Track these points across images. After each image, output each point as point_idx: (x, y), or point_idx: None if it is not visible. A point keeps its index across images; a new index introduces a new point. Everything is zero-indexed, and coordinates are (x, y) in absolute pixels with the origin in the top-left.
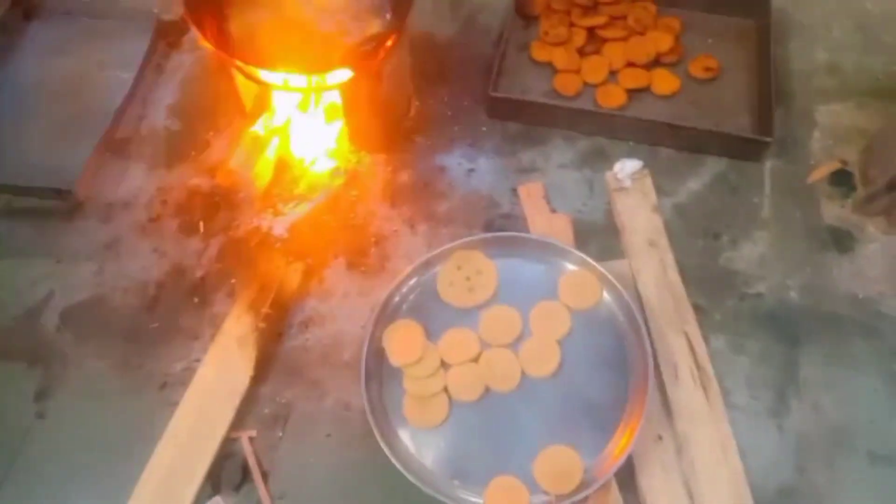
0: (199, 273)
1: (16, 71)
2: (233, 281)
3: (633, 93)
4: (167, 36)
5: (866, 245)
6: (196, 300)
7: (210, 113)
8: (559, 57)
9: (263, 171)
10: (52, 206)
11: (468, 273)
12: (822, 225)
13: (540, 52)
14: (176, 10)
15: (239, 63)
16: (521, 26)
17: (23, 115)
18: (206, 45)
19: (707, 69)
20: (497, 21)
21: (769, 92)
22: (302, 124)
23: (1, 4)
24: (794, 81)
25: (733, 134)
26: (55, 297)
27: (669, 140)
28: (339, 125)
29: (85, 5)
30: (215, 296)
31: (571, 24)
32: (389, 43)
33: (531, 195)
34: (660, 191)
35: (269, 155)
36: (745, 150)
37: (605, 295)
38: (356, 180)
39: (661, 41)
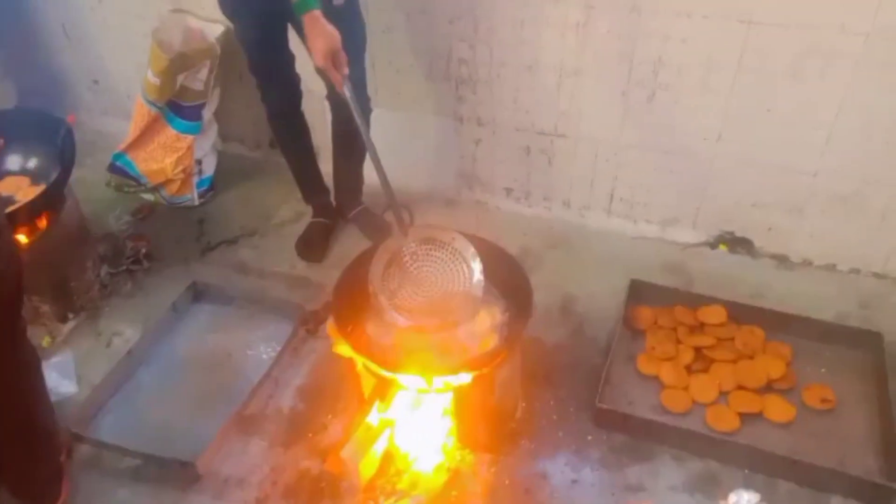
0: None
1: (176, 344)
2: None
3: (745, 417)
4: (307, 323)
5: None
6: None
7: (332, 396)
8: (666, 372)
9: (370, 462)
10: (174, 474)
11: None
12: None
13: (647, 366)
14: (318, 301)
15: (368, 362)
16: (628, 337)
17: (171, 386)
18: (343, 351)
19: (824, 400)
20: (604, 331)
21: (893, 431)
22: (413, 420)
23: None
24: None
25: (862, 478)
26: None
27: (789, 474)
28: (448, 424)
29: (243, 292)
30: None
31: (678, 342)
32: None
33: None
34: None
35: (378, 448)
36: (874, 494)
37: None
38: (458, 479)
39: (772, 367)
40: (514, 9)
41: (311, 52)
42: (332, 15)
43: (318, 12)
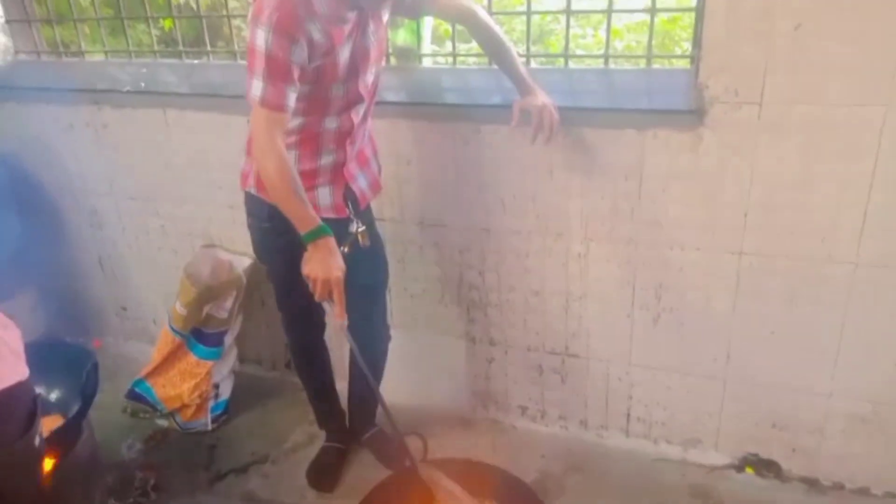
0: None
1: None
2: None
3: None
4: None
5: None
6: None
7: None
8: None
9: None
10: None
11: None
12: None
13: None
14: None
15: None
16: None
17: None
18: None
19: None
20: None
21: None
22: None
23: None
24: None
25: None
26: None
27: None
28: None
29: None
30: None
31: None
32: None
33: None
34: None
35: None
36: None
37: None
38: None
39: None
40: (518, 242)
41: (314, 280)
42: (358, 256)
43: (329, 239)
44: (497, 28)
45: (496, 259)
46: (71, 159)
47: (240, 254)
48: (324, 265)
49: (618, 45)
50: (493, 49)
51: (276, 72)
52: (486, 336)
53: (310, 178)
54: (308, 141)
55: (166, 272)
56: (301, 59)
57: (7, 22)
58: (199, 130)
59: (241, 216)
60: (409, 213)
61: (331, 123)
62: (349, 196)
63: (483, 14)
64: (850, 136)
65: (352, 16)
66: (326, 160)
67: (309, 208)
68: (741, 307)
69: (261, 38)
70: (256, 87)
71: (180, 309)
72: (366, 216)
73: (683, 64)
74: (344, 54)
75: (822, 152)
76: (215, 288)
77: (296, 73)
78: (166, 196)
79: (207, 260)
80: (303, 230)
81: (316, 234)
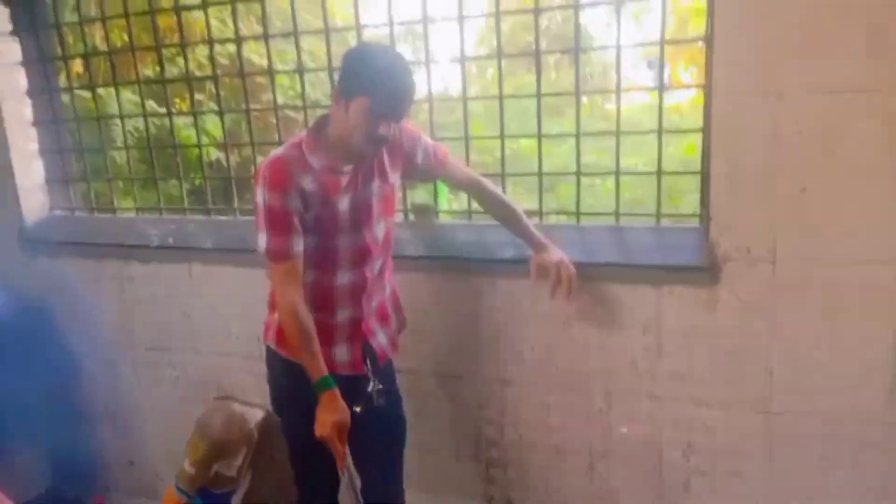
0: None
1: None
2: None
3: None
4: None
5: None
6: None
7: None
8: None
9: None
10: None
11: None
12: None
13: None
14: None
15: None
16: None
17: None
18: None
19: None
20: None
21: None
22: None
23: None
24: None
25: None
26: None
27: None
28: None
29: None
30: None
31: None
32: None
33: None
34: None
35: None
36: None
37: None
38: None
39: None
40: (538, 396)
41: (318, 424)
42: (373, 415)
43: (335, 391)
44: (504, 196)
45: (515, 413)
46: (93, 311)
47: (253, 406)
48: (337, 409)
49: (625, 194)
50: (504, 216)
51: (277, 222)
52: (504, 497)
53: (327, 334)
54: (322, 296)
55: (177, 424)
56: (297, 207)
57: (47, 181)
58: (220, 282)
59: (256, 367)
60: (425, 364)
61: (343, 278)
62: (368, 352)
63: (490, 185)
64: (866, 295)
65: (347, 169)
66: (342, 316)
67: (318, 360)
68: (776, 470)
69: (260, 196)
70: (262, 240)
71: (188, 468)
72: (385, 372)
73: (693, 221)
74: (343, 205)
75: (841, 310)
76: (226, 445)
77: (295, 221)
78: (183, 346)
79: (220, 413)
80: (312, 380)
81: (320, 387)
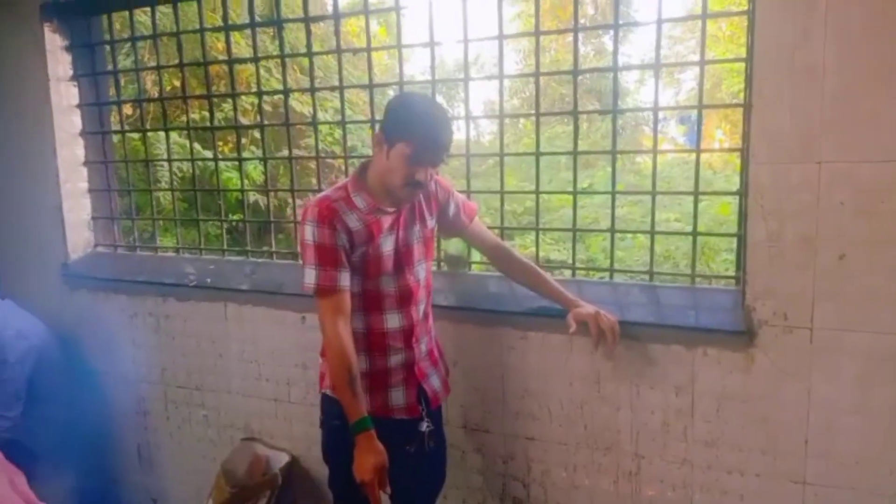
0: None
1: None
2: None
3: None
4: None
5: None
6: None
7: None
8: None
9: None
10: None
11: None
12: None
13: None
14: None
15: None
16: None
17: None
18: None
19: None
20: None
21: None
22: None
23: None
24: None
25: None
26: None
27: None
28: None
29: None
30: None
31: None
32: None
33: None
34: None
35: None
36: None
37: None
38: None
39: None
40: (565, 454)
41: (357, 467)
42: (423, 457)
43: (372, 432)
44: (529, 261)
45: (541, 470)
46: (128, 346)
47: (279, 449)
48: (375, 450)
49: (657, 248)
50: (532, 281)
51: (325, 257)
52: None
53: (382, 379)
54: (374, 340)
55: (203, 464)
56: (343, 243)
57: (93, 219)
58: (253, 324)
59: (284, 410)
60: (452, 415)
61: (392, 321)
62: (422, 395)
63: (516, 252)
64: None
65: (391, 210)
66: (395, 359)
67: (359, 400)
68: None
69: (308, 233)
70: (309, 276)
71: None
72: (436, 417)
73: (727, 282)
74: (387, 246)
75: (879, 380)
76: (250, 488)
77: (343, 256)
78: (214, 386)
79: (245, 455)
80: (350, 420)
81: (358, 427)
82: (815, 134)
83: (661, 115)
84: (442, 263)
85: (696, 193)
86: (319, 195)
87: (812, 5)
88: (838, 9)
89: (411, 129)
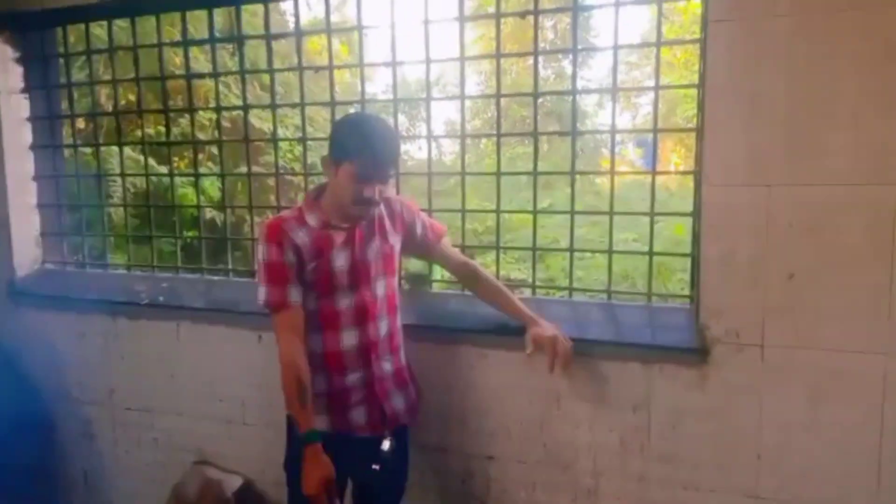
0: None
1: None
2: None
3: None
4: None
5: None
6: None
7: None
8: None
9: None
10: None
11: None
12: None
13: None
14: None
15: None
16: None
17: None
18: None
19: None
20: None
21: None
22: None
23: None
24: None
25: None
26: None
27: None
28: None
29: None
30: None
31: None
32: None
33: None
34: None
35: None
36: None
37: None
38: None
39: None
40: (524, 472)
41: (304, 480)
42: (383, 474)
43: (319, 446)
44: (497, 281)
45: (500, 489)
46: (75, 366)
47: (232, 472)
48: (322, 464)
49: (614, 267)
50: (497, 299)
51: (274, 274)
52: None
53: (342, 397)
54: (332, 359)
55: (153, 489)
56: (291, 260)
57: (42, 234)
58: (207, 343)
59: (238, 432)
60: (410, 434)
61: (349, 339)
62: (383, 415)
63: (483, 271)
64: (853, 383)
65: (345, 226)
66: (353, 378)
67: (308, 412)
68: None
69: (260, 252)
70: (262, 292)
71: None
72: (401, 435)
73: (682, 300)
74: (339, 261)
75: (828, 397)
76: None
77: (291, 273)
78: (164, 407)
79: (197, 479)
80: (299, 431)
81: (306, 440)
82: (764, 158)
83: (618, 137)
84: (403, 281)
85: (652, 214)
86: (274, 216)
87: (761, 35)
88: (785, 39)
89: (354, 148)
